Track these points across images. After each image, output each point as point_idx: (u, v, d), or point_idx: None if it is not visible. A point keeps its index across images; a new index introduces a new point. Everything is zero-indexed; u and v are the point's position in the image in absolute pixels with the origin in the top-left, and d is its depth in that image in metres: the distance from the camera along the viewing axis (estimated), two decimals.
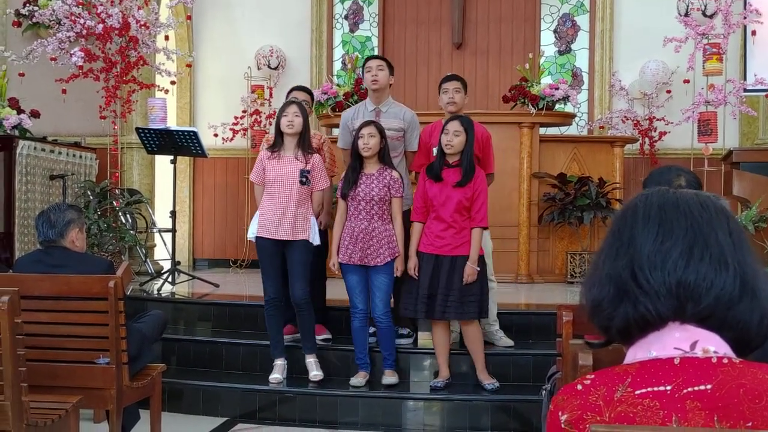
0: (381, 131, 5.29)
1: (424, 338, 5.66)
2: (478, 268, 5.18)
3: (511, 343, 5.72)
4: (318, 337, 5.71)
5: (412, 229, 5.31)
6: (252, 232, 5.43)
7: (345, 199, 5.33)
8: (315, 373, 5.44)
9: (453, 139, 5.12)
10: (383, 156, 5.31)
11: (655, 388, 1.23)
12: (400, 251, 5.30)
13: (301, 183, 5.27)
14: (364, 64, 5.81)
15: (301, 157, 5.31)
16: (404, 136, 5.67)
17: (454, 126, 5.15)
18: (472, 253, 5.15)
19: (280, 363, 5.50)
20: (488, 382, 5.30)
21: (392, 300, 5.48)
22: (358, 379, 5.40)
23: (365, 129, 5.26)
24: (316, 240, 5.39)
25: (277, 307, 5.42)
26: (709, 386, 1.21)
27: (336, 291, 6.11)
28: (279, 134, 5.37)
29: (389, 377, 5.40)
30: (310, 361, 5.48)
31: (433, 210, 5.20)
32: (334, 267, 5.37)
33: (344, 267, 5.33)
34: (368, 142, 5.22)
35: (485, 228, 5.31)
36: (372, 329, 5.54)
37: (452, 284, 5.13)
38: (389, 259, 5.27)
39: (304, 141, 5.33)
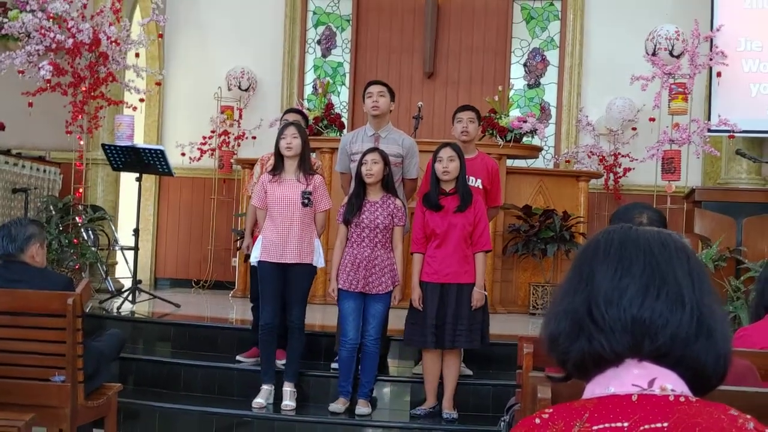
0: (385, 158, 5.24)
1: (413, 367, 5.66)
2: (486, 292, 5.18)
3: (470, 372, 5.72)
4: (279, 362, 5.65)
5: (411, 260, 5.26)
6: (255, 257, 5.34)
7: (347, 225, 5.28)
8: (288, 403, 5.34)
9: (449, 165, 5.10)
10: (387, 184, 5.28)
11: (613, 425, 1.23)
12: (400, 280, 5.28)
13: (303, 205, 5.21)
14: (365, 90, 5.71)
15: (303, 178, 5.26)
16: (402, 163, 5.62)
17: (448, 152, 5.14)
18: (479, 278, 5.15)
19: (267, 388, 5.40)
20: (450, 411, 5.27)
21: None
22: (338, 405, 5.32)
23: (369, 155, 5.22)
24: (320, 263, 5.35)
25: (272, 333, 5.34)
26: (665, 424, 1.21)
27: (311, 316, 6.04)
28: (279, 157, 5.31)
29: (363, 408, 5.31)
30: (287, 390, 5.38)
31: (435, 238, 5.16)
32: (333, 293, 5.31)
33: (342, 293, 5.26)
34: (371, 169, 5.18)
35: (488, 251, 5.30)
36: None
37: (461, 312, 5.09)
38: (391, 288, 5.24)
39: (304, 162, 5.29)
